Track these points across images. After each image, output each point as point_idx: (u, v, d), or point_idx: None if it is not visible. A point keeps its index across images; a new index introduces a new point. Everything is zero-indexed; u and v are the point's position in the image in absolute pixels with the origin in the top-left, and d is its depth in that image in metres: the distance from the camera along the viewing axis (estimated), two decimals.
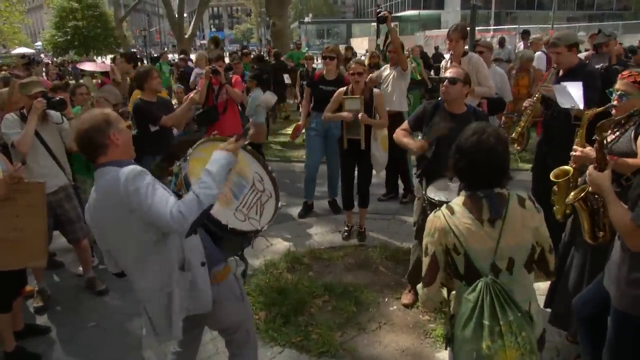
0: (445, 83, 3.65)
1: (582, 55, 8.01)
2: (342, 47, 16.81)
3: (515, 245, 2.05)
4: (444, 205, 2.16)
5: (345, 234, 5.45)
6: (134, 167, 2.19)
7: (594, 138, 2.54)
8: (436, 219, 2.12)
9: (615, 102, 2.92)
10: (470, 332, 1.95)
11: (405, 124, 4.01)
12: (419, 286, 2.26)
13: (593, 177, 2.42)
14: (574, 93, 3.84)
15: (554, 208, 3.01)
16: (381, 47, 7.98)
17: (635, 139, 2.73)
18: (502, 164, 2.06)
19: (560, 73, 4.34)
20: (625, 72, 2.93)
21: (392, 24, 5.95)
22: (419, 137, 3.92)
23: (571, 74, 4.18)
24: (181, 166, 2.46)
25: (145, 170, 2.21)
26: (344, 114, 4.98)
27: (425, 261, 2.16)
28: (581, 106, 3.71)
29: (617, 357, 2.47)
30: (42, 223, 3.55)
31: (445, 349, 2.26)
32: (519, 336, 1.90)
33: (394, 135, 4.02)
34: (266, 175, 2.92)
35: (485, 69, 5.25)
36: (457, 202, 2.12)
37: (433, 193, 3.29)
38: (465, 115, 3.70)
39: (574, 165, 2.96)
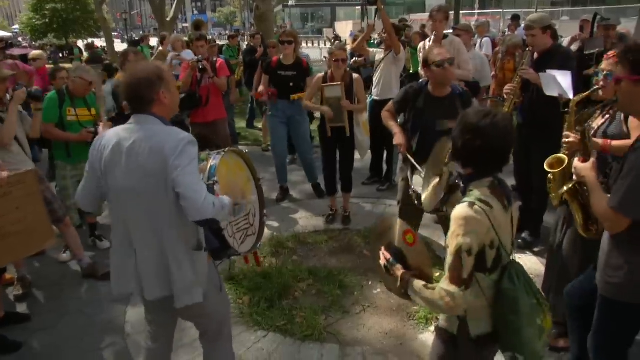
0: (446, 65, 3.61)
1: (566, 40, 8.04)
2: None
3: (515, 224, 2.12)
4: (477, 199, 1.94)
5: (330, 218, 5.45)
6: (190, 135, 2.25)
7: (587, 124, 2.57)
8: (478, 215, 1.89)
9: (601, 83, 2.97)
10: (527, 310, 1.93)
11: (390, 105, 4.01)
12: (452, 287, 1.90)
13: (578, 169, 2.48)
14: (562, 82, 3.87)
15: (551, 195, 3.02)
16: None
17: (626, 120, 2.77)
18: (512, 146, 2.02)
19: (535, 56, 4.38)
20: (611, 52, 3.00)
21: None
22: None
23: (546, 56, 4.25)
24: (211, 156, 2.56)
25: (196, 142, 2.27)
26: (325, 109, 4.98)
27: (469, 261, 1.87)
28: (570, 95, 3.74)
29: (601, 342, 2.52)
30: (41, 206, 3.64)
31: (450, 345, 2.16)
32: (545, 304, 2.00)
33: (382, 114, 4.02)
34: (259, 215, 3.03)
35: (465, 52, 5.29)
36: (485, 193, 1.96)
37: (420, 187, 3.33)
38: (450, 98, 3.70)
39: (567, 152, 2.95)
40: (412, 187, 3.50)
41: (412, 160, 3.59)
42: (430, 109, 3.69)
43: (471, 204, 1.90)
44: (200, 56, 6.04)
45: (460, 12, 13.76)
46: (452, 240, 1.88)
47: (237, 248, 2.69)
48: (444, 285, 1.88)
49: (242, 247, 2.79)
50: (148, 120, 2.24)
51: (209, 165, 2.47)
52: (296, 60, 5.70)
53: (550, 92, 3.96)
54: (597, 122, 2.92)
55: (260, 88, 5.97)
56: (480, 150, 1.94)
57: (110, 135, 2.28)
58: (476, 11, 30.76)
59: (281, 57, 5.71)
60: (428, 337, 3.39)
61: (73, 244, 4.46)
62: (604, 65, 3.00)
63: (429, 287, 1.95)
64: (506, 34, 11.21)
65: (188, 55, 8.54)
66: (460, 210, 1.90)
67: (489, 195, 1.96)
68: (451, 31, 6.39)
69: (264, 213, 3.06)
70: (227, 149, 2.72)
